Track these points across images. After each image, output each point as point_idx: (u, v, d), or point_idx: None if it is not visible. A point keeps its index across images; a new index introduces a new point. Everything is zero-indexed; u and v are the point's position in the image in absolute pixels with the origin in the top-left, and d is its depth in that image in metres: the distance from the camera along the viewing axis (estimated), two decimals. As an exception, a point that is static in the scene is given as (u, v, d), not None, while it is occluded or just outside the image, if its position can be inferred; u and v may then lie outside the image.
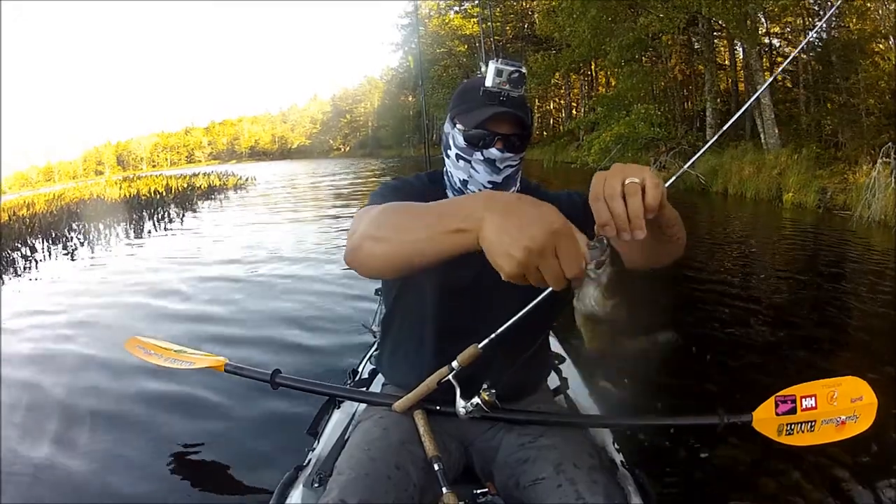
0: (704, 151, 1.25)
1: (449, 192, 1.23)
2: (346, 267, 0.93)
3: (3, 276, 6.44)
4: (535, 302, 0.99)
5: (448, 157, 1.21)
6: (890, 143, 7.32)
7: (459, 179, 1.18)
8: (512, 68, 1.08)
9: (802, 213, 8.44)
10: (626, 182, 0.73)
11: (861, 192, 7.20)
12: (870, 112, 10.37)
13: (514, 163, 1.15)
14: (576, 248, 0.60)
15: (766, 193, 9.69)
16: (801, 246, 6.43)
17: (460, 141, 1.15)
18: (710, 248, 6.03)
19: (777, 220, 8.27)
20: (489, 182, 1.14)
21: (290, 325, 3.78)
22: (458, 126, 1.16)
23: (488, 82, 1.08)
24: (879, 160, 7.17)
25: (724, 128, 1.24)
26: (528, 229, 0.59)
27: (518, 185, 1.23)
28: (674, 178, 1.00)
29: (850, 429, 1.24)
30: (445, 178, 1.24)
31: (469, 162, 1.15)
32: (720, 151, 11.57)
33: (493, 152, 1.12)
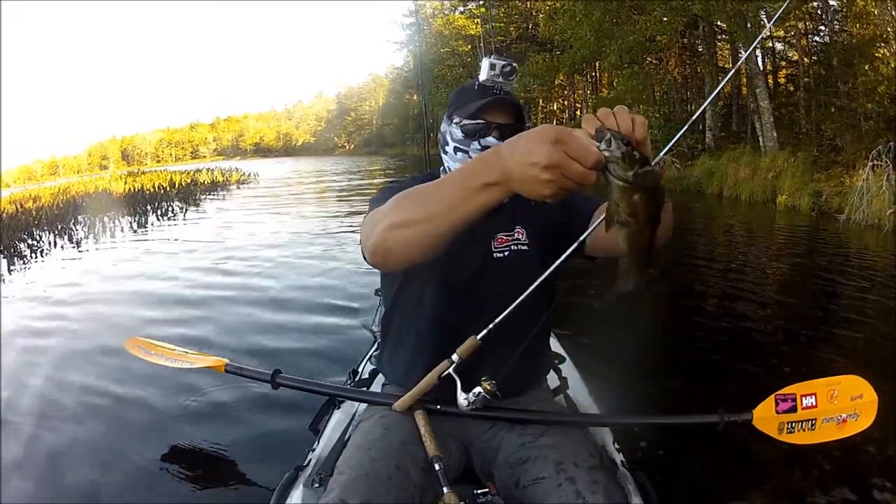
0: (676, 141, 1.24)
1: None
2: (356, 266, 0.98)
3: (10, 270, 6.52)
4: (537, 281, 1.04)
5: (446, 152, 1.26)
6: (881, 146, 7.37)
7: None
8: (504, 62, 1.16)
9: (796, 216, 8.49)
10: (615, 109, 0.74)
11: (852, 195, 7.26)
12: (868, 116, 10.41)
13: None
14: (580, 142, 0.66)
15: (760, 196, 9.74)
16: (793, 247, 6.50)
17: (458, 134, 1.21)
18: (707, 248, 6.07)
19: (770, 222, 8.33)
20: None
21: (291, 325, 3.76)
22: (455, 120, 1.22)
23: (483, 76, 1.17)
24: (869, 163, 7.23)
25: (688, 124, 1.30)
26: (536, 153, 0.66)
27: None
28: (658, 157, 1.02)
29: (851, 427, 1.24)
30: (442, 175, 1.29)
31: (467, 153, 1.21)
32: (718, 154, 11.62)
33: (491, 140, 1.18)
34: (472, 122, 1.19)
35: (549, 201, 0.70)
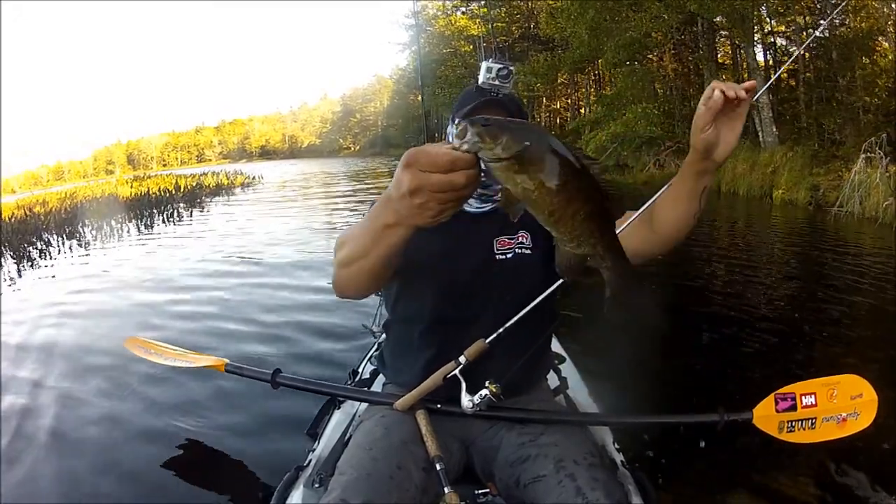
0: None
1: None
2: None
3: (19, 272, 6.66)
4: (544, 295, 1.07)
5: None
6: (873, 139, 7.37)
7: None
8: (500, 65, 1.19)
9: (792, 210, 8.50)
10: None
11: (844, 187, 7.28)
12: (867, 109, 10.42)
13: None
14: (427, 153, 0.62)
15: (758, 190, 9.77)
16: (790, 242, 6.51)
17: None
18: (704, 245, 6.08)
19: (766, 216, 8.35)
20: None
21: (291, 325, 3.78)
22: (455, 123, 1.22)
23: (480, 79, 1.20)
24: (862, 156, 7.24)
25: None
26: (401, 183, 0.65)
27: None
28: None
29: (851, 426, 1.23)
30: None
31: None
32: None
33: None
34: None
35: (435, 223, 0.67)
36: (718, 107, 0.88)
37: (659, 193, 1.07)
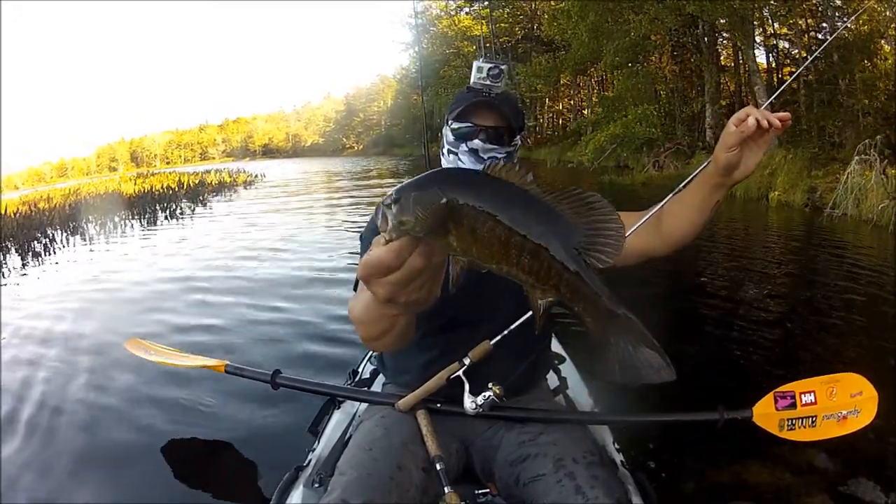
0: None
1: None
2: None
3: (24, 266, 6.75)
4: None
5: (443, 154, 1.29)
6: (867, 140, 7.40)
7: None
8: (490, 65, 1.18)
9: (788, 211, 8.53)
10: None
11: (838, 189, 7.31)
12: (866, 112, 10.45)
13: (500, 155, 1.17)
14: (369, 262, 0.55)
15: (755, 192, 9.78)
16: (786, 242, 6.53)
17: (450, 137, 1.23)
18: (701, 245, 6.05)
19: (762, 218, 8.39)
20: None
21: (291, 325, 3.76)
22: (449, 123, 1.24)
23: (472, 79, 1.20)
24: (855, 158, 7.28)
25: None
26: (377, 302, 0.59)
27: None
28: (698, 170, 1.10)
29: (851, 423, 1.23)
30: None
31: (457, 154, 1.22)
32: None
33: (476, 143, 1.19)
34: (460, 124, 1.21)
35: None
36: (749, 133, 0.92)
37: (669, 197, 1.11)
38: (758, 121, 0.90)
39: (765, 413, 1.26)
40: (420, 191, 0.51)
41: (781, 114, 0.92)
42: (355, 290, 1.12)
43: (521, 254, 0.52)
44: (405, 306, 0.60)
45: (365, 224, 1.31)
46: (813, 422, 1.24)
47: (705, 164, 1.04)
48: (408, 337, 0.89)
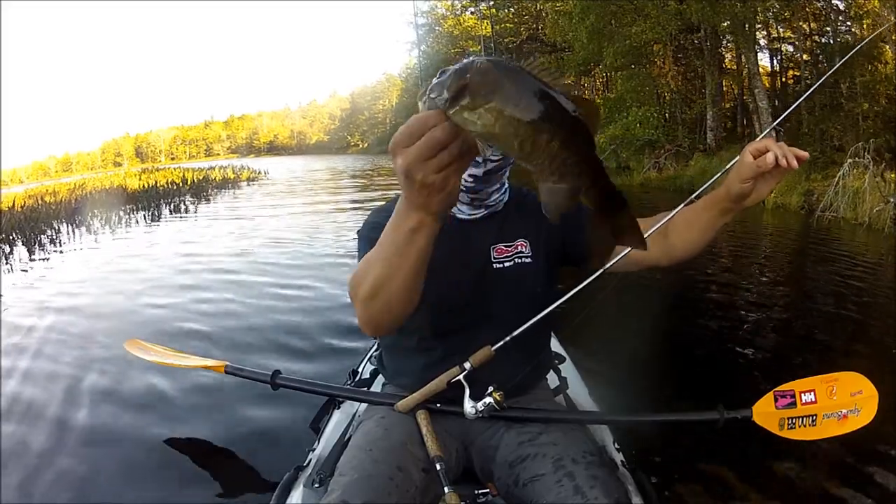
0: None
1: None
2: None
3: (30, 258, 6.83)
4: (553, 306, 1.08)
5: None
6: (861, 143, 7.41)
7: None
8: None
9: (783, 214, 8.59)
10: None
11: (829, 192, 7.36)
12: (866, 116, 10.44)
13: (496, 157, 1.14)
14: (405, 128, 0.60)
15: (753, 194, 9.85)
16: (782, 244, 6.62)
17: None
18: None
19: (757, 219, 8.39)
20: (470, 175, 1.15)
21: (291, 325, 3.74)
22: None
23: None
24: (848, 160, 7.28)
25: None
26: (399, 172, 0.63)
27: (505, 185, 1.26)
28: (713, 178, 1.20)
29: (852, 422, 1.23)
30: None
31: None
32: (714, 154, 11.67)
33: None
34: None
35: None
36: (767, 169, 0.94)
37: (680, 207, 1.13)
38: (776, 159, 0.92)
39: (765, 412, 1.25)
40: (452, 69, 0.56)
41: (800, 152, 0.94)
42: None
43: (550, 142, 0.54)
44: (422, 199, 0.65)
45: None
46: (813, 421, 1.24)
47: (725, 169, 1.06)
48: (416, 288, 0.86)
